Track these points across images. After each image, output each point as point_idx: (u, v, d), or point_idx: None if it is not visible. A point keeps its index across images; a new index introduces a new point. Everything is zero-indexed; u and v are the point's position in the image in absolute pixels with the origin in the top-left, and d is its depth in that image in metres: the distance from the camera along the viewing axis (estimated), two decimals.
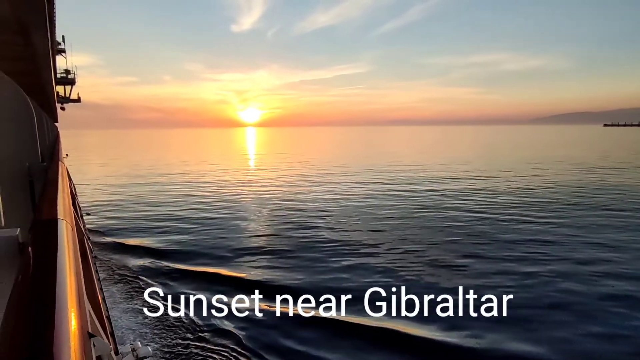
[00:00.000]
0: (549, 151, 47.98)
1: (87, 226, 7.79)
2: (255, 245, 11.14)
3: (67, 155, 8.53)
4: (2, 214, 1.07)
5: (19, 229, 1.06)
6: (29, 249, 0.94)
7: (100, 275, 5.12)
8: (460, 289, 7.39)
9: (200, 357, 5.82)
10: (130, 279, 8.83)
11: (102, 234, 12.42)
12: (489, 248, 10.34)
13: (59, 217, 1.21)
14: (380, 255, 10.04)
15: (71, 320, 0.60)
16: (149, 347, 2.22)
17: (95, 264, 4.82)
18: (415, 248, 10.53)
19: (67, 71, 19.54)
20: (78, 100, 21.94)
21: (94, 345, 1.63)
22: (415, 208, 15.37)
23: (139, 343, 2.30)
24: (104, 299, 3.78)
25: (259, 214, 15.09)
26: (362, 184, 22.41)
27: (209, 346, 6.10)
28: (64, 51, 18.02)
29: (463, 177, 24.42)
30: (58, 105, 19.11)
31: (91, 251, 4.41)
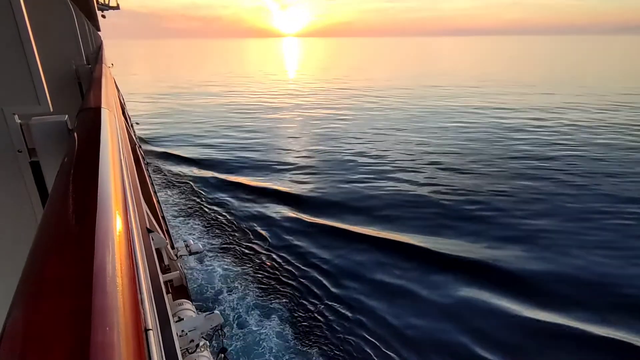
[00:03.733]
0: None
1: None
2: (300, 161, 11.45)
3: (112, 65, 8.70)
4: (50, 105, 1.15)
5: (67, 115, 1.14)
6: (75, 133, 1.03)
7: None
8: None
9: (237, 251, 6.70)
10: (176, 184, 9.60)
11: (150, 142, 13.21)
12: None
13: (102, 106, 1.31)
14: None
15: (113, 192, 0.66)
16: (199, 244, 2.50)
17: (148, 169, 5.21)
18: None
19: None
20: (117, 7, 21.48)
21: (153, 240, 1.85)
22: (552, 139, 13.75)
23: (191, 240, 2.59)
24: (158, 201, 4.17)
25: (309, 133, 15.20)
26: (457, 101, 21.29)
27: (244, 243, 6.95)
28: None
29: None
30: (99, 13, 18.94)
31: (143, 158, 4.74)
